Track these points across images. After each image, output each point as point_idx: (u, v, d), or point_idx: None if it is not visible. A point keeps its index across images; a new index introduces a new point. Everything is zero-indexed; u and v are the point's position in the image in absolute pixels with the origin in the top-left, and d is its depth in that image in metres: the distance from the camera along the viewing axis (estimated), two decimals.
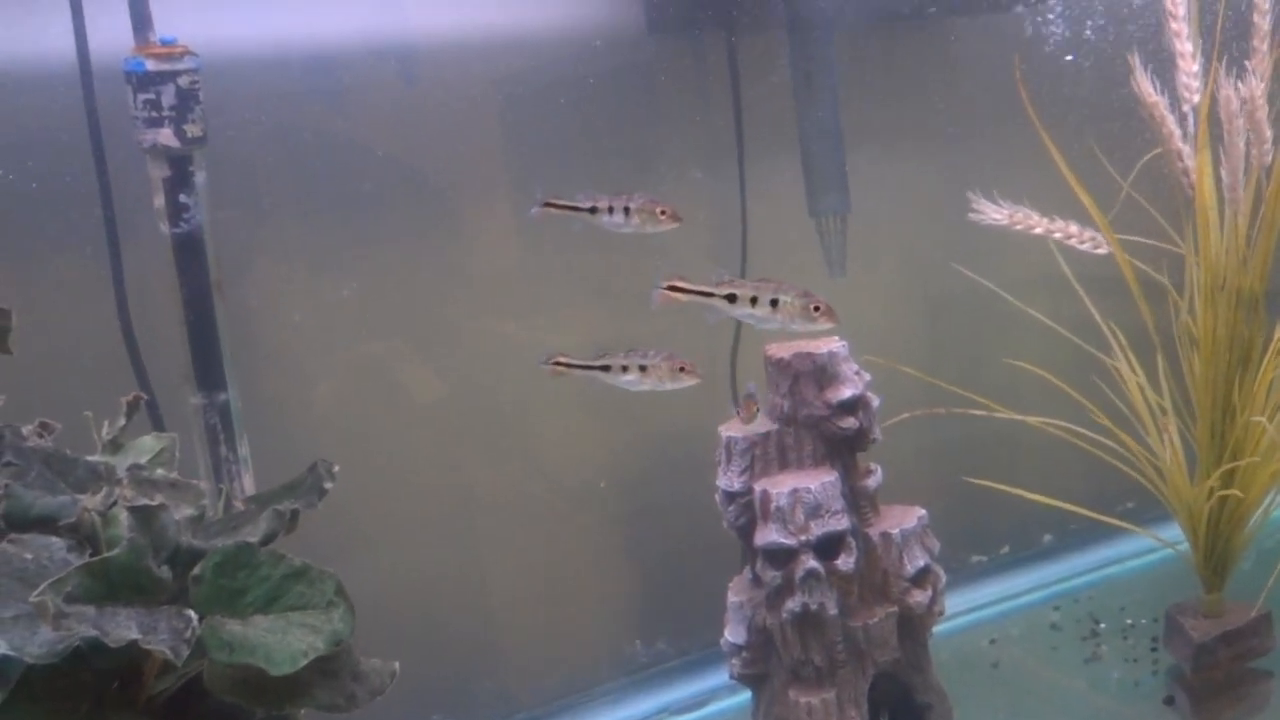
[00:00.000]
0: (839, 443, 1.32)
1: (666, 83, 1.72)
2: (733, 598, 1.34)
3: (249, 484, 1.29)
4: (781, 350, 1.31)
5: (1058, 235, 1.52)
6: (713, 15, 1.70)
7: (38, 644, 0.80)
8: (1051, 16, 1.89)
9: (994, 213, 1.51)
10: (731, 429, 1.32)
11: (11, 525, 0.90)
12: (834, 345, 1.31)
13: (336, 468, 1.02)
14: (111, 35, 1.31)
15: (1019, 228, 1.52)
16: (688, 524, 1.76)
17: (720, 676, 1.56)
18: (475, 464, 1.65)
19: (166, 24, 1.28)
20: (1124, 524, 1.66)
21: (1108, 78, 1.90)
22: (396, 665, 0.99)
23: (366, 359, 1.56)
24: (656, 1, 1.66)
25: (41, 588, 0.80)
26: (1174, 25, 1.47)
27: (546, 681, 1.72)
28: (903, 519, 1.36)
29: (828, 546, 1.27)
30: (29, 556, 0.87)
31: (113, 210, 1.37)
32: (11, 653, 0.79)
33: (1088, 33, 1.92)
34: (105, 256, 1.37)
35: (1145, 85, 1.49)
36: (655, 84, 1.71)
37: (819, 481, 1.27)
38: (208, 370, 1.24)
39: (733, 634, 1.34)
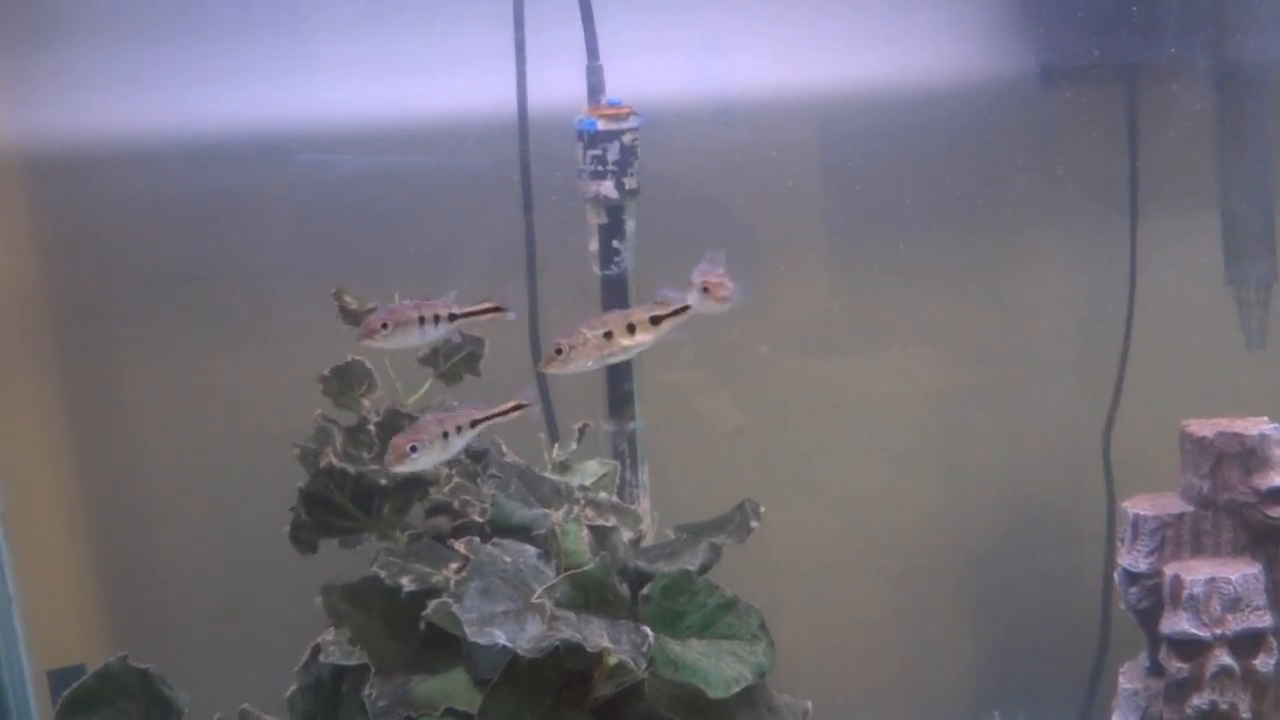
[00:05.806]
0: (1265, 533, 1.22)
1: (1052, 134, 1.66)
2: (1125, 684, 1.27)
3: (645, 506, 1.38)
4: (1203, 428, 1.24)
5: None
6: (1112, 67, 1.63)
7: (526, 638, 0.91)
8: None
9: None
10: (1139, 505, 1.26)
11: (495, 530, 1.03)
12: (1265, 427, 1.22)
13: (763, 509, 1.08)
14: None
15: None
16: (1044, 595, 1.68)
17: None
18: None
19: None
20: None
21: None
22: (809, 704, 1.03)
23: (671, 387, 1.59)
24: (1051, 54, 1.62)
25: (539, 591, 0.90)
26: None
27: None
28: None
29: (1245, 644, 1.18)
30: (508, 560, 0.99)
31: (534, 249, 1.52)
32: (508, 643, 0.89)
33: None
34: (524, 290, 1.52)
35: None
36: (1043, 135, 1.66)
37: (1240, 573, 1.18)
38: (620, 400, 1.35)
39: None
